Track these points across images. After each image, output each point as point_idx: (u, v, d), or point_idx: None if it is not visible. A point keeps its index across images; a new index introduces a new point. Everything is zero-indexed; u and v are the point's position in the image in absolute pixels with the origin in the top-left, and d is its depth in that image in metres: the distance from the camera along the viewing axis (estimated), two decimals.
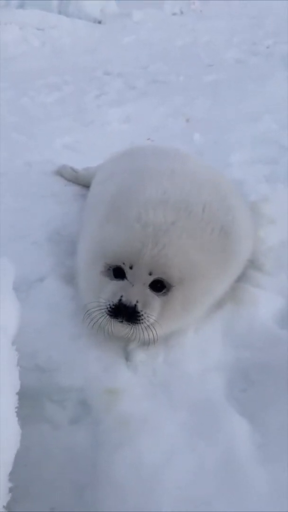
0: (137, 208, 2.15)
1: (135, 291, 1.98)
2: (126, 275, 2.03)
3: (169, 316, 2.06)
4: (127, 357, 2.10)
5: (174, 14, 18.69)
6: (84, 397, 1.91)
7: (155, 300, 2.01)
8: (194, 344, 2.18)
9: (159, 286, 2.03)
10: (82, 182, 3.85)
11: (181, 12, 19.05)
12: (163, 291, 2.04)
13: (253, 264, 2.79)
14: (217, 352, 2.18)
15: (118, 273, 2.05)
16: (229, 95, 6.20)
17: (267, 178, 3.68)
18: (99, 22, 15.84)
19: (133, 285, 1.99)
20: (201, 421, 1.78)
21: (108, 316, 1.97)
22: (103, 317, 2.00)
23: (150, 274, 2.02)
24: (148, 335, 2.00)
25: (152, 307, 1.99)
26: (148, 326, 1.99)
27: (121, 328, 2.03)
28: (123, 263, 2.03)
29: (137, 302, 1.95)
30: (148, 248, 2.00)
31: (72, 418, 1.88)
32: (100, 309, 2.00)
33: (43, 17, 13.82)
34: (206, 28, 13.36)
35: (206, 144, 4.63)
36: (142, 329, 1.98)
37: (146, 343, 2.10)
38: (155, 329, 2.01)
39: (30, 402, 1.94)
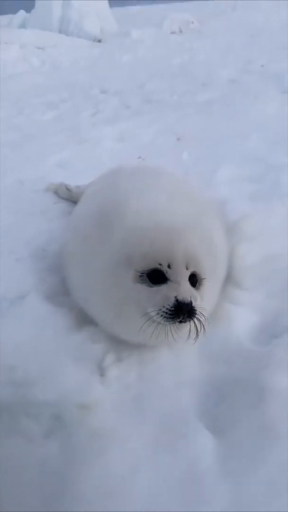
0: (142, 214, 2.25)
1: (185, 288, 2.00)
2: (167, 275, 2.03)
3: (206, 304, 2.14)
4: (102, 373, 2.16)
5: (173, 32, 19.13)
6: (58, 412, 1.96)
7: (197, 294, 2.06)
8: (169, 360, 2.23)
9: (194, 280, 2.11)
10: (75, 199, 3.95)
11: (180, 31, 19.50)
12: (197, 285, 2.12)
13: (232, 280, 2.87)
14: (191, 367, 2.23)
15: (155, 276, 2.04)
16: (220, 114, 6.33)
17: (251, 196, 3.76)
18: (99, 41, 16.22)
19: (180, 284, 2.01)
20: (169, 435, 1.82)
21: (166, 322, 1.96)
22: (159, 326, 1.99)
23: (187, 268, 2.07)
24: (202, 326, 2.02)
25: (198, 301, 2.03)
26: (201, 318, 2.01)
27: (178, 330, 2.03)
28: (160, 264, 2.04)
29: (191, 298, 1.97)
30: (178, 243, 2.07)
31: (45, 432, 1.93)
32: (154, 320, 1.98)
33: (44, 36, 14.19)
34: (203, 46, 13.66)
35: (194, 162, 4.73)
36: (197, 323, 1.99)
37: (197, 337, 2.06)
38: (204, 319, 2.04)
39: (6, 416, 2.01)
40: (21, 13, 19.09)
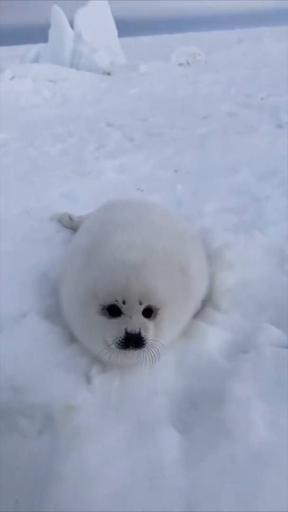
0: (110, 252, 2.60)
1: (136, 321, 2.37)
2: (122, 310, 2.41)
3: (160, 335, 2.47)
4: (88, 381, 2.51)
5: (180, 64, 19.86)
6: (49, 412, 2.31)
7: (149, 324, 2.42)
8: (147, 372, 2.56)
9: (149, 312, 2.45)
10: (76, 228, 4.36)
11: (187, 63, 20.23)
12: (153, 315, 2.46)
13: (211, 303, 3.22)
14: (167, 379, 2.56)
15: (113, 310, 2.43)
16: (215, 147, 6.77)
17: (234, 226, 4.14)
18: (108, 74, 16.97)
19: (131, 317, 2.38)
20: (141, 433, 2.16)
21: (119, 349, 2.34)
22: (114, 352, 2.38)
23: (140, 303, 2.43)
24: (153, 354, 2.39)
25: (150, 331, 2.40)
26: (151, 346, 2.38)
27: (129, 357, 2.40)
28: (116, 300, 2.42)
29: (139, 329, 2.34)
30: (133, 281, 2.42)
31: (38, 430, 2.27)
32: (110, 347, 2.38)
33: (55, 70, 14.92)
34: (207, 79, 14.27)
35: (187, 194, 5.14)
36: (146, 351, 2.37)
37: (151, 362, 2.41)
38: (155, 347, 2.40)
39: (5, 417, 2.36)
40: (35, 47, 20.05)
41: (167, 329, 2.56)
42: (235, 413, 2.19)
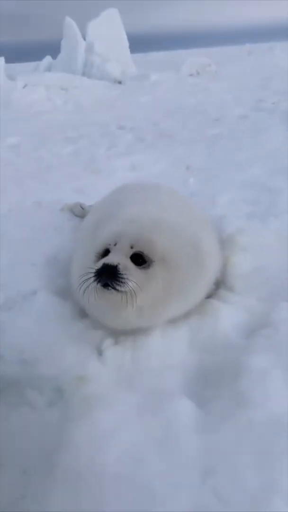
0: (115, 225, 2.54)
1: (117, 257, 2.29)
2: (110, 250, 2.36)
3: (151, 291, 2.34)
4: (99, 353, 2.45)
5: (191, 75, 20.00)
6: (58, 384, 2.24)
7: (136, 270, 2.31)
8: (160, 346, 2.50)
9: (140, 260, 2.35)
10: None
11: (198, 73, 20.37)
12: (144, 265, 2.35)
13: (225, 285, 3.16)
14: (181, 354, 2.50)
15: (104, 254, 2.38)
16: (226, 147, 6.76)
17: (248, 215, 4.09)
18: (119, 83, 17.16)
19: (115, 254, 2.32)
20: (153, 401, 2.09)
21: (94, 282, 2.22)
22: (90, 285, 2.25)
23: (132, 247, 2.35)
24: (132, 300, 2.24)
25: (132, 273, 2.27)
26: (131, 290, 2.22)
27: (107, 297, 2.27)
28: (109, 244, 2.37)
29: (118, 264, 2.23)
30: (128, 225, 2.38)
31: (47, 402, 2.21)
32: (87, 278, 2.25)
33: (67, 78, 15.08)
34: (218, 88, 14.33)
35: (199, 187, 5.10)
36: (126, 292, 2.22)
37: (129, 306, 2.26)
38: (136, 296, 2.25)
39: (15, 389, 2.30)
40: (47, 58, 20.36)
41: (163, 291, 2.40)
42: (253, 384, 2.11)
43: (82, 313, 2.72)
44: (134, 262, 2.34)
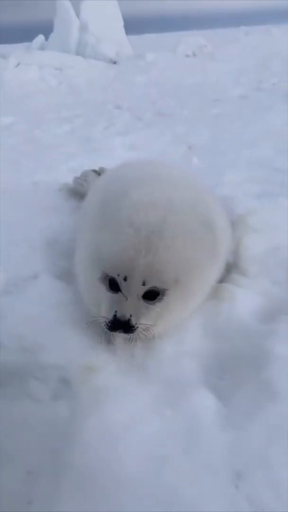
0: (126, 211, 2.25)
1: (128, 305, 2.09)
2: (120, 287, 2.11)
3: (170, 315, 2.20)
4: (108, 341, 2.24)
5: (187, 56, 19.54)
6: (64, 374, 2.04)
7: (149, 310, 2.12)
8: (173, 334, 2.31)
9: (153, 295, 2.14)
10: None
11: (194, 55, 19.91)
12: (158, 298, 2.14)
13: (237, 269, 2.96)
14: (195, 341, 2.31)
15: (113, 284, 2.15)
16: (229, 125, 6.51)
17: (257, 195, 3.88)
18: (114, 63, 16.69)
19: (127, 299, 2.10)
20: (171, 394, 1.90)
21: (108, 329, 2.11)
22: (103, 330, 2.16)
23: (144, 284, 2.10)
24: (147, 336, 2.16)
25: (146, 317, 2.11)
26: (146, 330, 2.13)
27: (118, 337, 2.21)
28: (118, 275, 2.11)
29: (130, 316, 2.07)
30: (141, 255, 2.07)
31: (53, 394, 2.01)
32: (100, 324, 2.16)
33: (61, 58, 14.65)
34: (216, 68, 13.98)
35: (204, 167, 4.88)
36: (140, 333, 2.12)
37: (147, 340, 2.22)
38: (153, 330, 2.16)
39: (16, 380, 2.09)
40: (40, 37, 19.79)
41: (180, 307, 2.25)
42: (280, 374, 1.92)
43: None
44: (147, 297, 2.15)
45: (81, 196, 4.20)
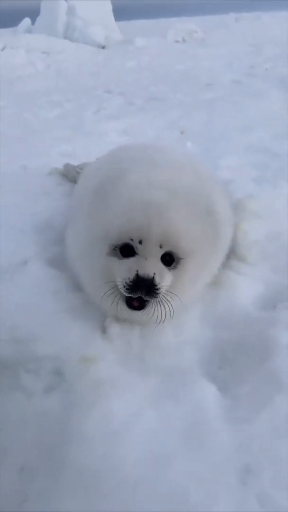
0: (127, 191, 2.16)
1: (151, 264, 1.94)
2: (137, 250, 1.98)
3: (178, 290, 2.05)
4: (103, 330, 2.13)
5: (177, 41, 19.28)
6: (58, 366, 1.93)
7: (167, 273, 2.00)
8: (172, 322, 2.20)
9: (168, 259, 2.02)
10: None
11: (184, 40, 19.67)
12: (173, 264, 2.04)
13: (236, 256, 2.85)
14: (194, 330, 2.22)
15: (126, 250, 2.01)
16: (224, 110, 6.37)
17: (256, 180, 3.76)
18: (103, 47, 16.39)
19: (147, 259, 1.95)
20: (171, 385, 1.80)
21: (126, 294, 1.93)
22: (120, 298, 1.99)
23: (161, 247, 2.00)
24: (164, 309, 1.98)
25: (166, 280, 1.97)
26: (164, 299, 1.96)
27: (135, 313, 2.01)
28: (131, 239, 1.99)
29: (154, 274, 1.91)
30: (156, 221, 1.99)
31: (46, 386, 1.90)
32: (116, 289, 1.97)
33: (49, 41, 14.34)
34: (207, 54, 13.78)
35: (198, 151, 4.74)
36: (159, 303, 1.95)
37: (159, 321, 2.02)
38: (169, 302, 1.98)
39: (7, 372, 1.98)
40: (26, 21, 19.32)
41: (189, 283, 2.13)
42: (284, 364, 1.83)
43: (79, 285, 2.37)
44: (163, 262, 2.01)
45: (72, 180, 4.07)
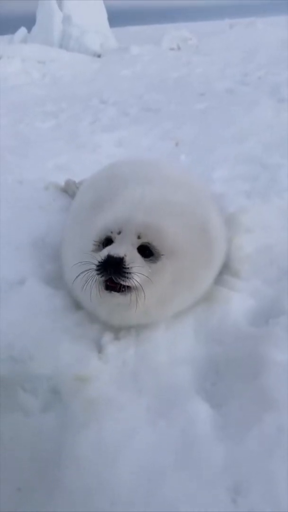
0: (118, 209, 2.23)
1: (124, 247, 1.99)
2: (114, 240, 2.06)
3: (158, 286, 2.07)
4: (99, 349, 2.17)
5: (171, 49, 19.41)
6: (54, 385, 1.98)
7: (143, 262, 2.03)
8: (165, 339, 2.25)
9: (147, 252, 2.06)
10: None
11: (178, 48, 19.78)
12: (151, 258, 2.07)
13: (229, 270, 2.90)
14: (188, 346, 2.26)
15: (107, 244, 2.08)
16: (217, 120, 6.43)
17: (247, 192, 3.82)
18: (99, 56, 16.51)
19: (121, 244, 2.01)
20: (165, 405, 1.84)
21: (97, 276, 1.95)
22: (91, 279, 1.99)
23: (139, 237, 2.05)
24: (137, 295, 1.99)
25: (140, 266, 1.99)
26: (138, 286, 1.97)
27: (110, 296, 2.02)
28: (111, 232, 2.07)
29: (124, 255, 1.94)
30: (135, 213, 2.07)
31: (43, 405, 1.95)
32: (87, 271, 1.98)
33: (44, 50, 14.43)
34: (201, 61, 13.86)
35: (192, 163, 4.80)
36: (132, 287, 1.97)
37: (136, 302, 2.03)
38: (143, 290, 1.99)
39: (4, 391, 2.02)
40: (22, 30, 19.45)
41: (170, 284, 2.13)
42: (276, 380, 1.87)
43: (77, 304, 2.43)
44: (141, 254, 2.05)
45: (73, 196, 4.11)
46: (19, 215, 3.68)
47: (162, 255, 2.08)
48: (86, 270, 1.98)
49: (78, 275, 2.02)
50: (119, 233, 2.05)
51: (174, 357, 2.17)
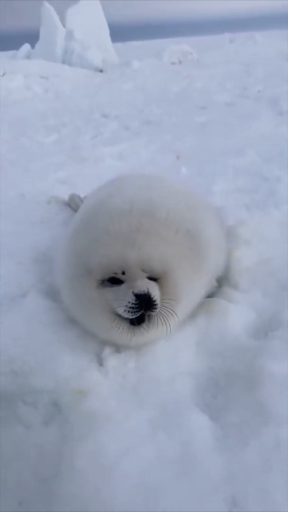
0: (103, 219, 2.30)
1: (141, 282, 2.07)
2: (123, 279, 2.12)
3: (170, 295, 2.16)
4: (100, 362, 2.19)
5: (172, 63, 19.66)
6: (55, 398, 1.99)
7: (156, 286, 2.12)
8: (166, 352, 2.26)
9: (153, 278, 2.15)
10: None
11: (180, 62, 20.04)
12: (157, 280, 2.15)
13: (228, 282, 2.92)
14: (188, 359, 2.27)
15: (114, 280, 2.14)
16: (217, 133, 6.52)
17: (247, 205, 3.87)
18: (101, 71, 16.72)
19: (136, 280, 2.08)
20: (165, 418, 1.85)
21: (131, 316, 2.05)
22: (125, 327, 2.10)
23: (143, 271, 2.12)
24: (165, 319, 2.10)
25: (157, 292, 2.10)
26: (163, 310, 2.09)
27: (141, 331, 2.12)
28: (115, 273, 2.13)
29: (148, 289, 2.03)
30: (130, 251, 2.12)
31: (43, 419, 1.96)
32: (122, 315, 2.07)
33: (47, 66, 14.63)
34: (201, 75, 14.03)
35: (192, 176, 4.86)
36: (160, 315, 2.08)
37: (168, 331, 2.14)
38: (168, 308, 2.11)
39: (5, 404, 2.04)
40: (26, 46, 19.73)
41: (176, 290, 2.22)
42: (275, 393, 1.88)
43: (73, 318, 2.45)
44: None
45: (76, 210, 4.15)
46: (22, 229, 3.72)
47: (158, 279, 2.16)
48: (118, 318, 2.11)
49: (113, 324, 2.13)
50: (123, 273, 2.11)
51: (174, 369, 2.18)
